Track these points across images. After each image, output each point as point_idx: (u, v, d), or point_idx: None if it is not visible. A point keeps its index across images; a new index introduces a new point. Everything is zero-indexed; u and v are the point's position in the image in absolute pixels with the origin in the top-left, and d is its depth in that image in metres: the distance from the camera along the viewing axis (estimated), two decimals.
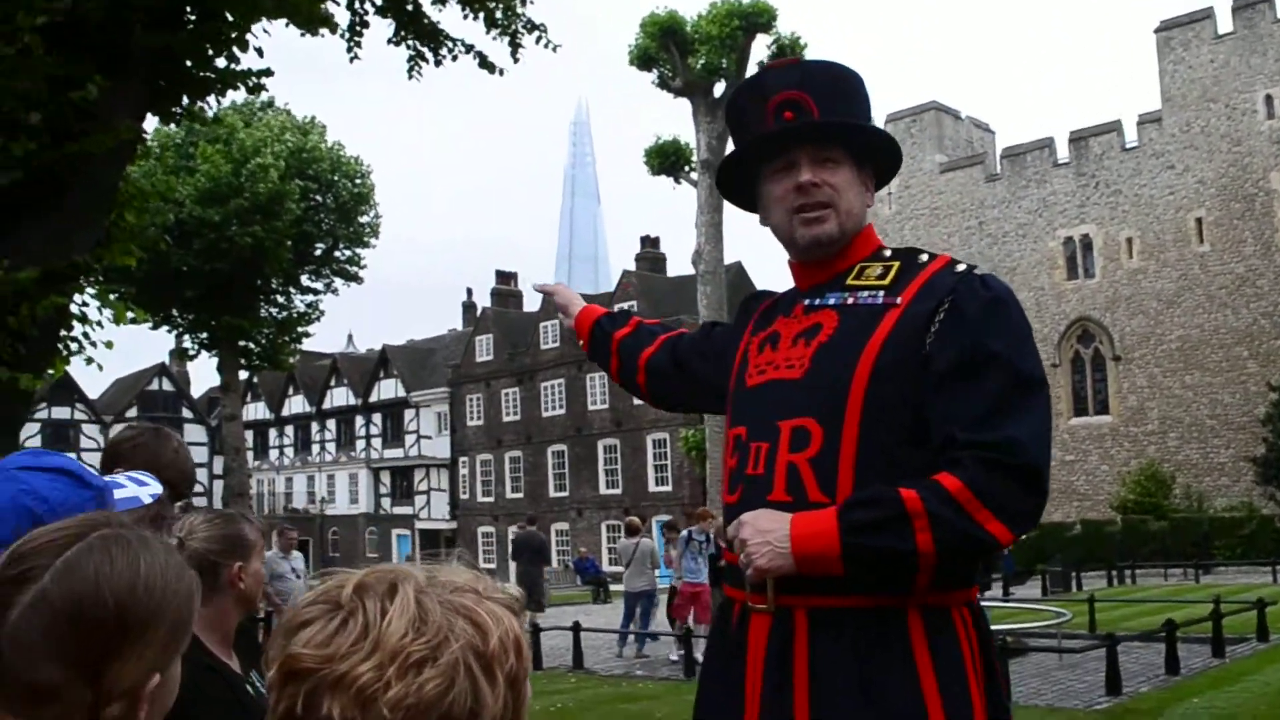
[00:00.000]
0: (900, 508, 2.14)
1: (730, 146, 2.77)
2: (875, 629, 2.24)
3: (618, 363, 3.11)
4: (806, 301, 2.53)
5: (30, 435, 53.35)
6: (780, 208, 2.54)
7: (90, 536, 1.35)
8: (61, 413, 58.52)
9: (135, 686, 1.30)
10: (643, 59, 33.57)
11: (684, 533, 16.81)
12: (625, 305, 47.62)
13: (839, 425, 2.29)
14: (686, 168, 35.37)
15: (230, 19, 9.07)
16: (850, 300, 2.45)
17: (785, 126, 2.49)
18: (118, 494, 1.97)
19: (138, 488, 2.04)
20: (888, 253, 2.56)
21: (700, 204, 33.53)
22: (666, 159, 35.87)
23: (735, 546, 2.29)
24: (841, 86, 2.56)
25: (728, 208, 33.81)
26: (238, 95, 10.15)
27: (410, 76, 11.78)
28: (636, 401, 46.66)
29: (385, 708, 0.99)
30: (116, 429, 58.72)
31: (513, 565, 24.17)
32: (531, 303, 57.55)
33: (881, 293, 2.43)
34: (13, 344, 7.89)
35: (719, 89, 33.36)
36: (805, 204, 2.49)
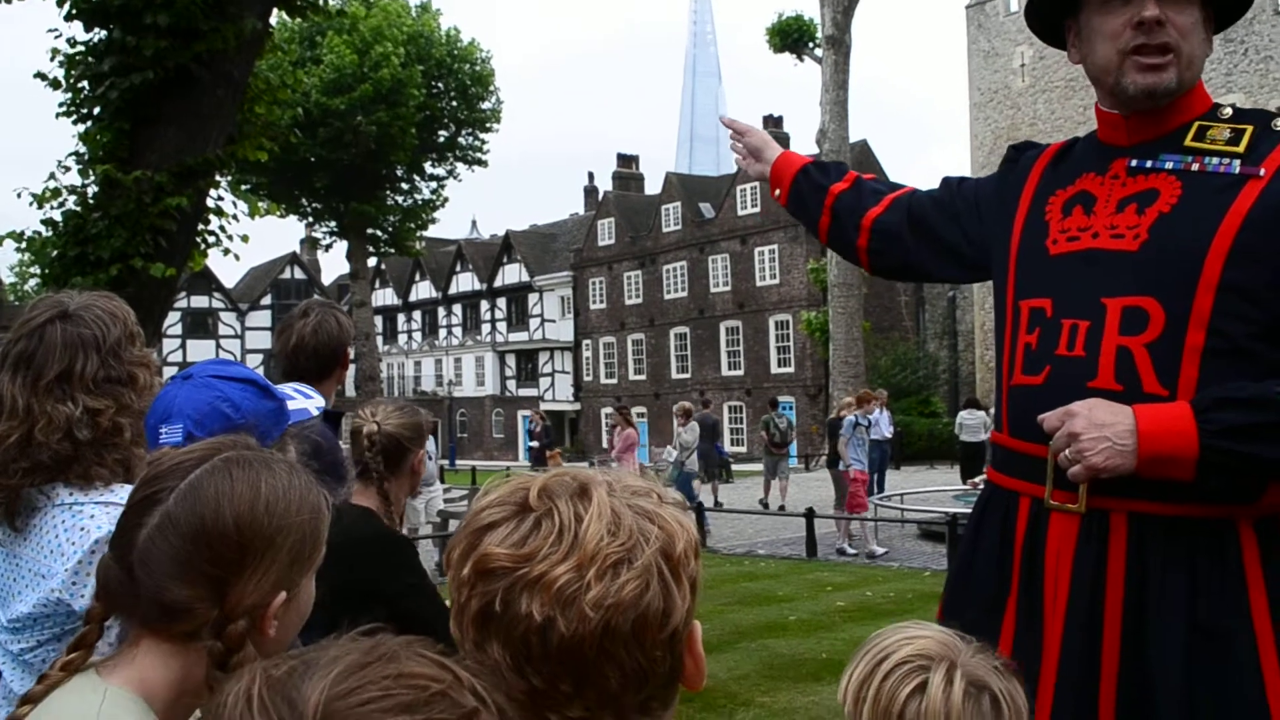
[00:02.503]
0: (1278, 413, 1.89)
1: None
2: (1208, 543, 2.01)
3: (830, 220, 2.73)
4: (1134, 161, 2.19)
5: (171, 324, 55.44)
6: (1110, 45, 2.17)
7: (214, 459, 1.41)
8: (200, 302, 60.53)
9: (260, 604, 1.36)
10: None
11: (850, 418, 15.91)
12: (748, 186, 47.10)
13: (1186, 309, 2.00)
14: (810, 44, 34.54)
15: None
16: (1195, 166, 2.12)
17: None
18: (290, 405, 2.08)
19: (305, 400, 2.14)
20: (1227, 111, 2.20)
21: (825, 81, 32.73)
22: (789, 36, 35.06)
23: (1056, 439, 2.03)
24: None
25: (853, 83, 33.00)
26: None
27: None
28: (759, 283, 46.46)
29: (587, 607, 1.02)
30: (252, 317, 60.42)
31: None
32: (653, 185, 57.33)
33: (1236, 161, 2.09)
34: (153, 238, 8.20)
35: None
36: (1144, 45, 2.13)
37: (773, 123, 51.82)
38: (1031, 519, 2.15)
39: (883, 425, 20.89)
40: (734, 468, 33.42)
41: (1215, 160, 2.11)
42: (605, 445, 18.03)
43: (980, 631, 2.18)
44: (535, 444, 29.01)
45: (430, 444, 13.47)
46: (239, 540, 1.35)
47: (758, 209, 46.76)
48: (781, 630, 9.51)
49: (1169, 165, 2.14)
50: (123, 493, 1.95)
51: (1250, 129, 2.13)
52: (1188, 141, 2.15)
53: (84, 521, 1.97)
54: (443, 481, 17.99)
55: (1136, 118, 2.21)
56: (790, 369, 45.94)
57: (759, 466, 25.03)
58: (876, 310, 41.92)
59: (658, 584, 1.06)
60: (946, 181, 2.64)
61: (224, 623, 1.35)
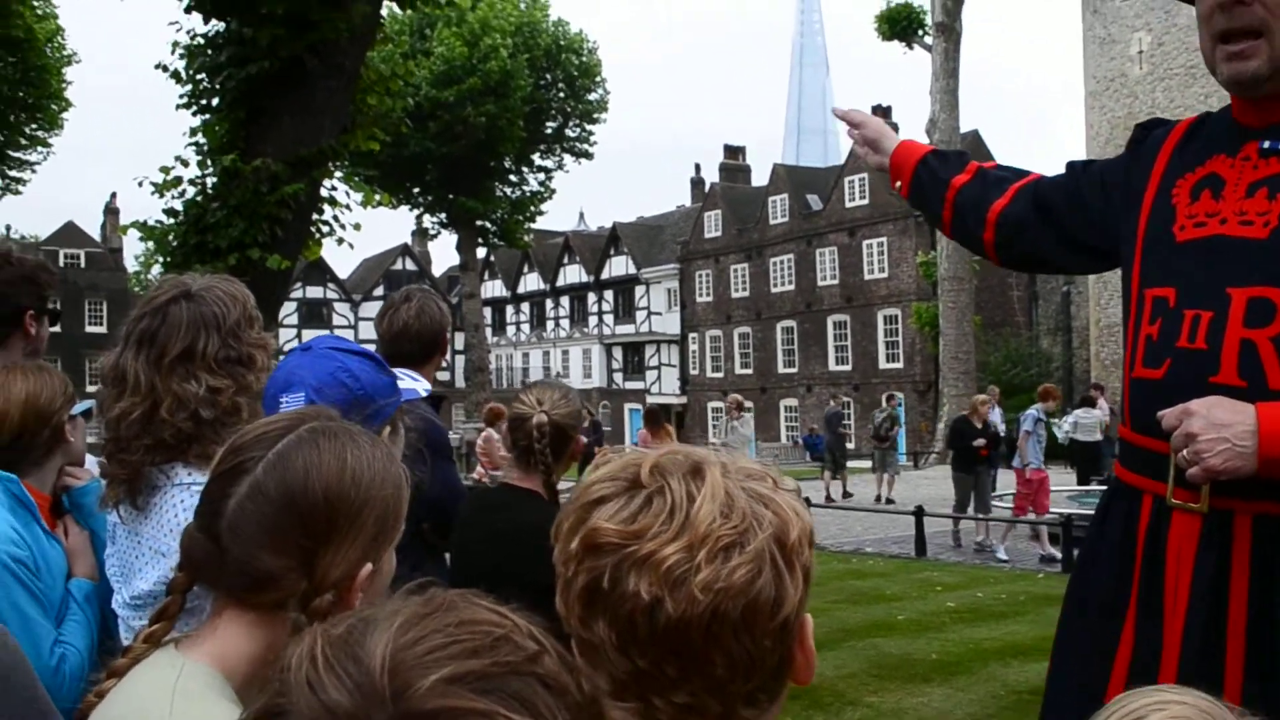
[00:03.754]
0: None
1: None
2: None
3: (952, 215, 2.64)
4: (1266, 144, 2.06)
5: (287, 314, 56.79)
6: (1205, 30, 2.09)
7: (300, 429, 1.41)
8: (315, 292, 61.93)
9: (347, 575, 1.35)
10: None
11: (1030, 411, 14.77)
12: (856, 177, 46.58)
13: None
14: (920, 32, 34.03)
15: None
16: None
17: None
18: (400, 384, 2.09)
19: (413, 382, 2.15)
20: None
21: (935, 70, 32.21)
22: (898, 24, 34.61)
23: (1175, 438, 1.94)
24: None
25: (964, 72, 32.46)
26: None
27: None
28: (867, 276, 45.93)
29: (696, 589, 0.99)
30: (365, 307, 61.62)
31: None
32: (760, 177, 57.04)
33: None
34: (269, 227, 8.34)
35: None
36: (1228, 30, 2.03)
37: (881, 112, 51.14)
38: (1154, 517, 2.08)
39: (994, 422, 20.45)
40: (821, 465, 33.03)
41: None
42: (711, 439, 18.06)
43: (1101, 631, 2.13)
44: (584, 439, 28.68)
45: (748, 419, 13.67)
46: (327, 510, 1.35)
47: (866, 200, 46.22)
48: (890, 629, 9.37)
49: None
50: None
51: None
52: None
53: (194, 500, 1.96)
54: None
55: (1265, 99, 2.07)
56: (899, 364, 45.35)
57: (867, 463, 24.96)
58: (988, 304, 41.13)
59: (770, 570, 1.02)
60: (1072, 166, 2.51)
61: (310, 595, 1.35)
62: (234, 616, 1.37)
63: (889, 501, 20.86)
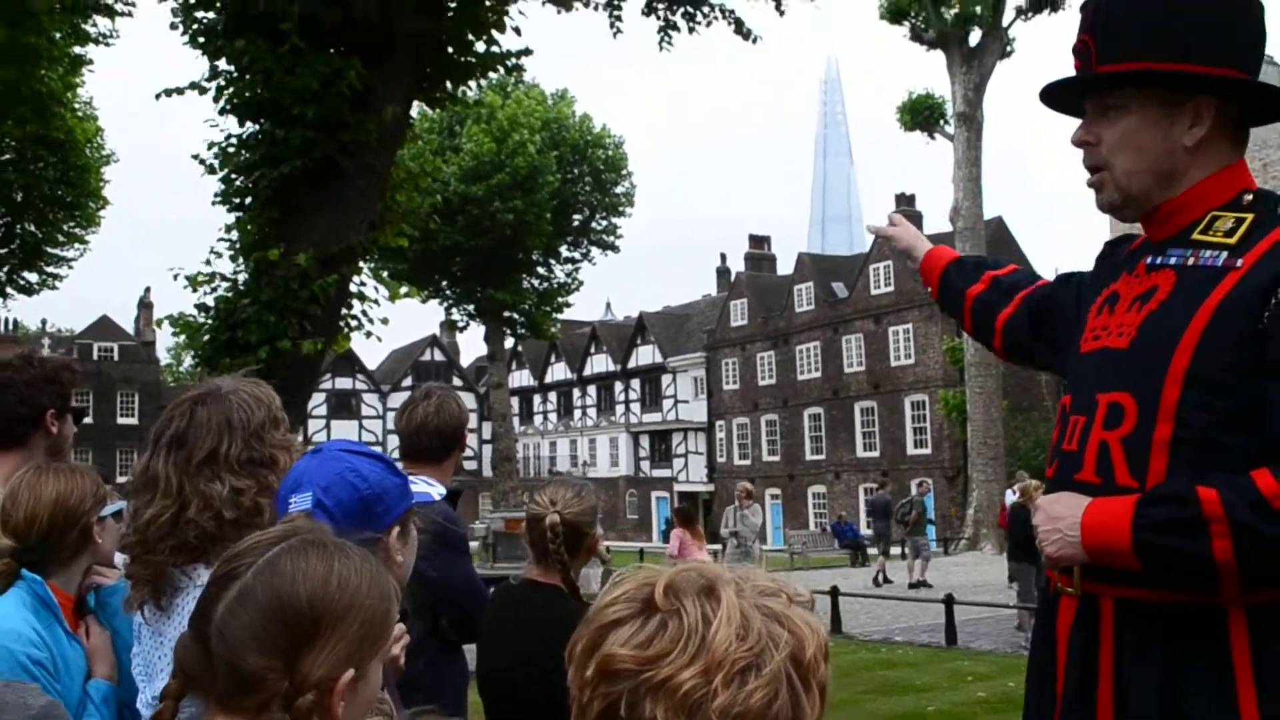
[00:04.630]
0: (1196, 510, 1.92)
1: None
2: (1189, 629, 2.01)
3: (972, 323, 2.86)
4: (1149, 259, 2.23)
5: (316, 405, 57.11)
6: None
7: (291, 539, 1.47)
8: (344, 383, 62.31)
9: (329, 678, 1.39)
10: (894, 12, 32.79)
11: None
12: (881, 265, 46.75)
13: (1154, 403, 2.06)
14: (941, 122, 34.36)
15: (489, 2, 9.41)
16: (1191, 260, 2.14)
17: (1060, 82, 2.30)
18: (413, 488, 2.12)
19: (427, 487, 2.18)
20: (1248, 198, 2.18)
21: (957, 158, 32.48)
22: (920, 114, 34.94)
23: (1035, 532, 2.18)
24: (1144, 9, 2.18)
25: (986, 160, 32.79)
26: (495, 75, 10.55)
27: (661, 48, 11.92)
28: (894, 363, 45.89)
29: (714, 715, 0.98)
30: (394, 398, 61.93)
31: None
32: (785, 265, 57.33)
33: (1224, 252, 2.09)
34: (299, 322, 8.49)
35: (974, 38, 32.23)
36: (1085, 165, 2.28)
37: (905, 201, 51.52)
38: (1052, 600, 2.28)
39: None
40: (870, 551, 32.70)
41: (1209, 252, 2.13)
42: (721, 529, 17.83)
43: (1032, 703, 2.33)
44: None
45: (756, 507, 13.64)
46: (311, 613, 1.40)
47: (891, 288, 46.35)
48: None
49: (1173, 260, 2.19)
50: None
51: (1251, 217, 2.13)
52: (1195, 234, 2.18)
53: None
54: None
55: (1150, 220, 2.28)
56: (927, 450, 45.07)
57: (895, 550, 25.09)
58: (1015, 390, 40.95)
59: (786, 692, 1.02)
60: (1062, 277, 2.70)
61: (293, 696, 1.38)
62: None
63: (925, 585, 20.88)
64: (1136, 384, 2.10)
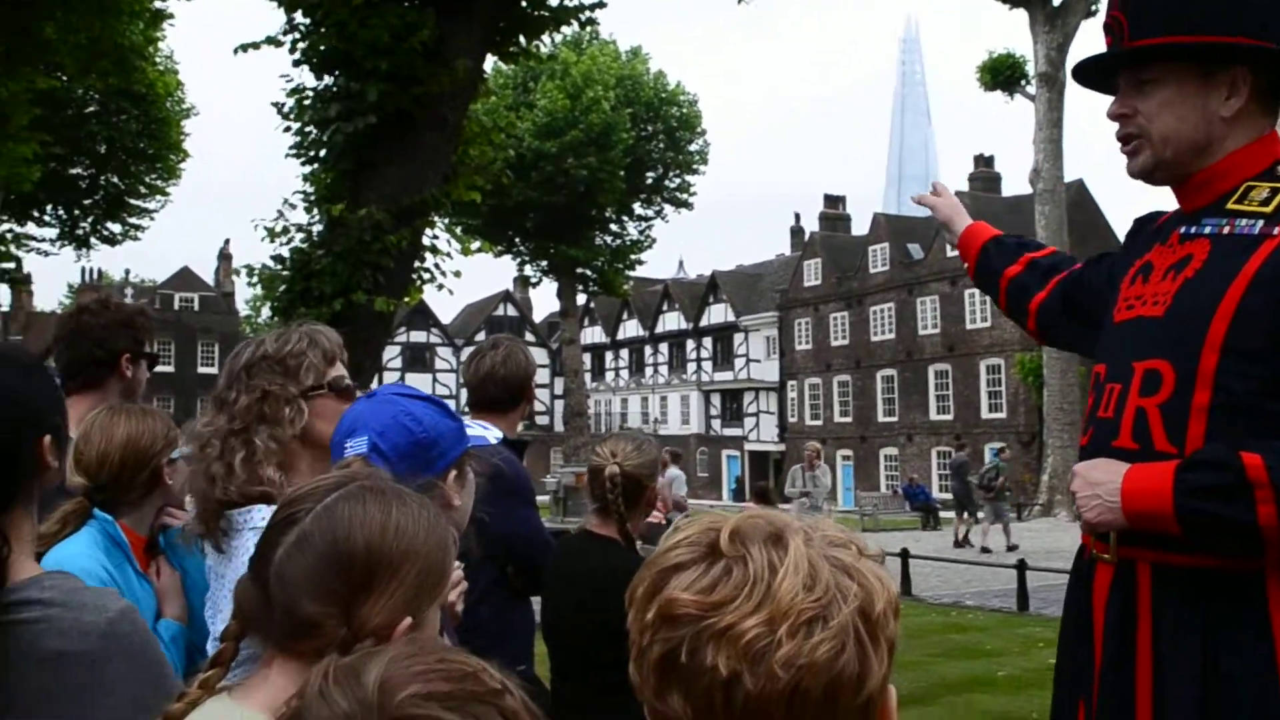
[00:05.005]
0: (1240, 475, 1.93)
1: (1074, 54, 2.55)
2: (1228, 594, 2.02)
3: (1007, 302, 2.91)
4: (1183, 229, 2.26)
5: (391, 358, 57.83)
6: None
7: (350, 485, 1.46)
8: (418, 336, 62.99)
9: (386, 625, 1.38)
10: None
11: None
12: None
13: (1193, 370, 2.07)
14: (1023, 81, 33.69)
15: None
16: (1226, 229, 2.16)
17: (1094, 58, 2.36)
18: (469, 431, 2.11)
19: (483, 430, 2.18)
20: None
21: (1038, 119, 31.82)
22: (1000, 73, 34.30)
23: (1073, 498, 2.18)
24: None
25: (1068, 121, 32.04)
26: (569, 29, 10.50)
27: (739, 1, 11.77)
28: (969, 325, 45.34)
29: (776, 665, 0.96)
30: (467, 352, 63.00)
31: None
32: (860, 226, 56.78)
33: (1260, 221, 2.11)
34: (372, 274, 8.55)
35: None
36: (1118, 135, 2.32)
37: (983, 162, 50.68)
38: (1087, 566, 2.29)
39: None
40: (942, 515, 32.50)
41: (1243, 221, 2.15)
42: (789, 489, 17.67)
43: (1063, 675, 2.37)
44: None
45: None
46: (367, 561, 1.40)
47: None
48: (989, 686, 9.15)
49: (1207, 229, 2.20)
50: None
51: None
52: (1230, 204, 2.20)
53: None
54: None
55: (1184, 188, 2.30)
56: (1002, 414, 44.53)
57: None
58: None
59: (854, 646, 0.98)
60: (1097, 259, 2.73)
61: (350, 642, 1.37)
62: (282, 666, 1.41)
63: (1012, 549, 20.93)
64: (1174, 351, 2.12)
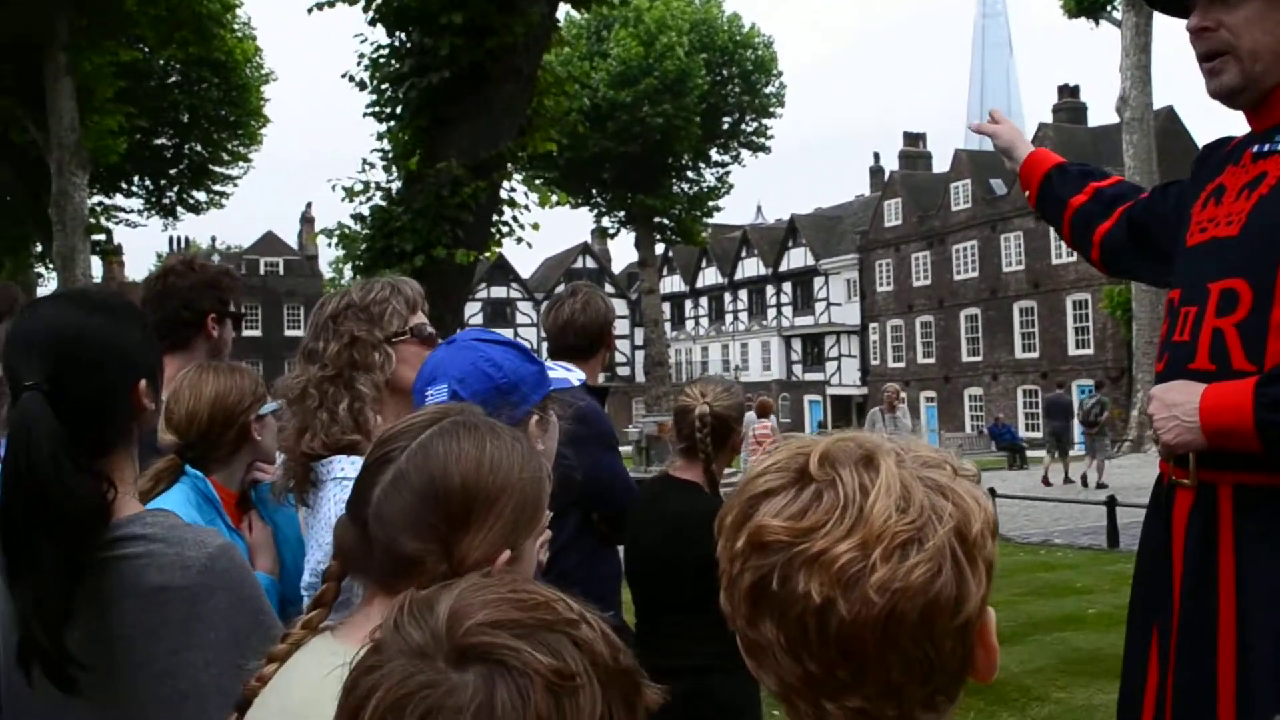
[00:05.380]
0: None
1: None
2: None
3: (1070, 232, 2.85)
4: (1256, 148, 2.22)
5: (473, 313, 58.33)
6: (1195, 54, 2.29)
7: (443, 421, 1.48)
8: (499, 291, 63.44)
9: (486, 559, 1.40)
10: None
11: None
12: None
13: (1270, 286, 2.05)
14: (1109, 7, 32.71)
15: None
16: None
17: None
18: (551, 374, 2.11)
19: (565, 372, 2.20)
20: None
21: (1125, 46, 30.93)
22: None
23: (1149, 422, 2.16)
24: None
25: (1156, 46, 31.11)
26: None
27: None
28: (1055, 260, 44.49)
29: (871, 590, 0.94)
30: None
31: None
32: (941, 163, 55.81)
33: None
34: (451, 229, 8.63)
35: None
36: (1202, 53, 2.24)
37: (1068, 92, 49.46)
38: (1166, 493, 2.27)
39: None
40: (1029, 454, 32.09)
41: None
42: (883, 431, 17.39)
43: (1139, 602, 2.34)
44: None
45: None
46: (465, 496, 1.41)
47: None
48: (1080, 623, 9.07)
49: None
50: None
51: None
52: None
53: (346, 494, 2.06)
54: None
55: (1258, 107, 2.25)
56: (1089, 350, 43.73)
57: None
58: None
59: (950, 568, 0.96)
60: (1163, 187, 2.68)
61: (451, 578, 1.35)
62: (383, 603, 1.41)
63: (1101, 486, 20.68)
64: (1250, 269, 2.08)
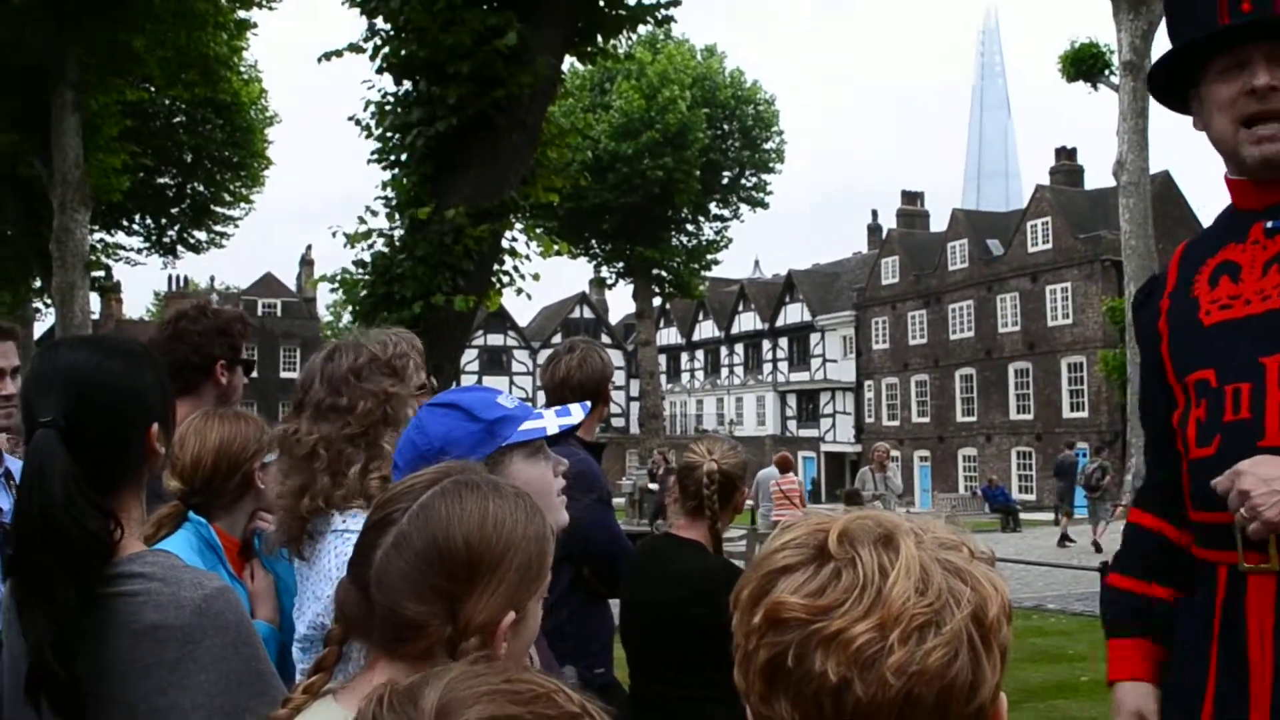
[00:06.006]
0: None
1: (1159, 42, 2.43)
2: None
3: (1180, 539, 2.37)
4: (1269, 224, 2.15)
5: (469, 360, 58.33)
6: (1224, 116, 2.17)
7: (444, 481, 1.45)
8: (495, 339, 63.48)
9: (492, 621, 1.38)
10: None
11: None
12: (1039, 221, 45.39)
13: None
14: (1106, 71, 33.03)
15: None
16: None
17: (1242, 21, 2.11)
18: (526, 425, 2.02)
19: (558, 418, 2.12)
20: None
21: (1122, 110, 31.11)
22: (1083, 63, 33.64)
23: (1230, 501, 1.98)
24: None
25: (1154, 111, 31.34)
26: (645, 28, 10.53)
27: None
28: (1050, 322, 44.64)
29: (888, 672, 0.93)
30: (544, 354, 63.36)
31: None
32: (938, 222, 56.12)
33: None
34: (452, 277, 8.64)
35: None
36: (1259, 113, 2.11)
37: (1065, 155, 49.88)
38: (1230, 588, 2.10)
39: None
40: (1022, 516, 31.99)
41: None
42: (864, 490, 17.13)
43: (1183, 690, 2.16)
44: (655, 487, 24.68)
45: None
46: (469, 557, 1.39)
47: (1049, 245, 44.97)
48: (1073, 691, 9.01)
49: None
50: None
51: None
52: None
53: (347, 548, 2.01)
54: None
55: (1266, 181, 2.18)
56: (1084, 413, 43.77)
57: (1049, 515, 24.89)
58: None
59: (967, 653, 0.96)
60: (1137, 319, 2.54)
61: (456, 641, 1.37)
62: (386, 668, 1.40)
63: (1097, 549, 21.16)
64: None
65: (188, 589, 1.67)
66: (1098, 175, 52.86)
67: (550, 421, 2.05)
